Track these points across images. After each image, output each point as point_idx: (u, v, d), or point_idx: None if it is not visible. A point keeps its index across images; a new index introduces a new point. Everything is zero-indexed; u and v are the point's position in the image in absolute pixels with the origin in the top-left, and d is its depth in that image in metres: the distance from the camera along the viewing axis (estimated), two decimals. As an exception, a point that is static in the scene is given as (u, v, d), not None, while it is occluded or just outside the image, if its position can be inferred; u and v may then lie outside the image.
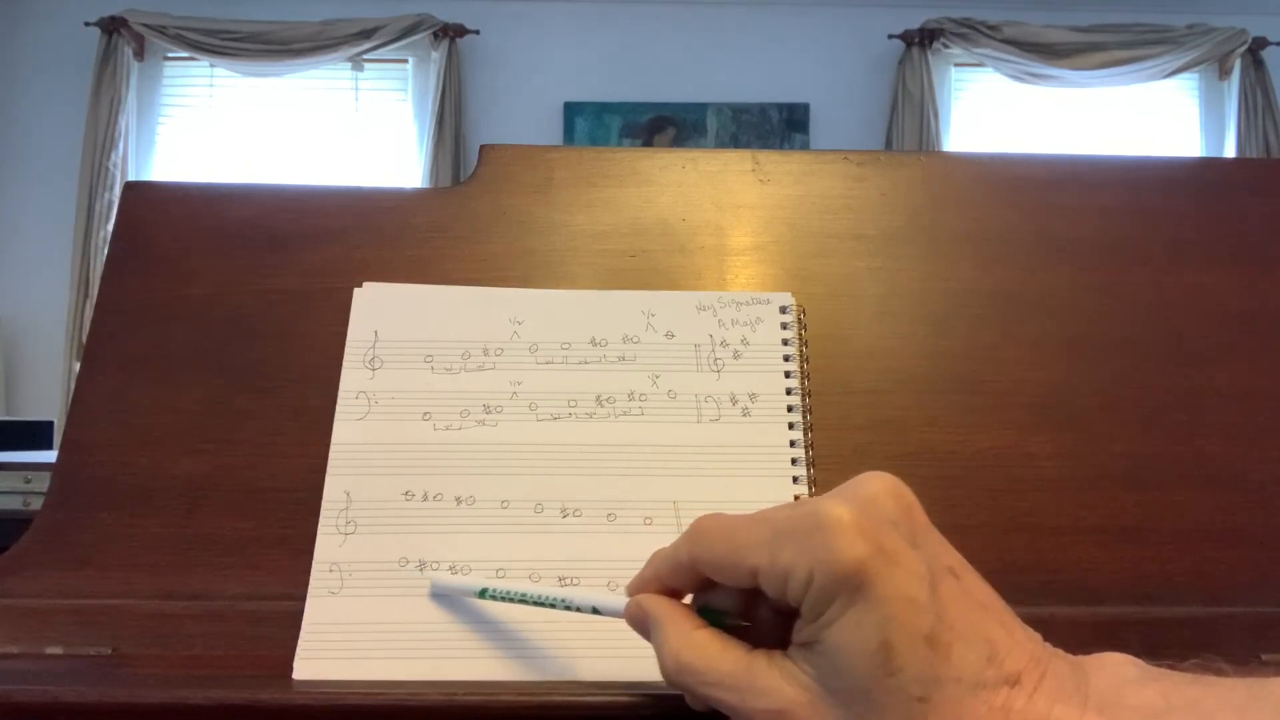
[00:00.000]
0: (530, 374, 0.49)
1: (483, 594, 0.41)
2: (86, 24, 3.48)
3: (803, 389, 0.50)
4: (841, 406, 0.50)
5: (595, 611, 0.38)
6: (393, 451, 0.47)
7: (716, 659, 0.31)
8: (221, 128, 3.58)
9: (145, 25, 3.47)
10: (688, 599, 0.35)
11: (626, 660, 0.41)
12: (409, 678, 0.40)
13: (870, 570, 0.28)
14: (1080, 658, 0.30)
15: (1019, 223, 0.56)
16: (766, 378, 0.50)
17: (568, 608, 0.38)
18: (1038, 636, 0.30)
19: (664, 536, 0.44)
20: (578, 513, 0.45)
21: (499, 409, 0.48)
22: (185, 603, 0.44)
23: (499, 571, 0.44)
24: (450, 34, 3.53)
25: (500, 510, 0.45)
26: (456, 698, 0.37)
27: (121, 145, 3.46)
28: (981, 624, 0.29)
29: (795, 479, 0.47)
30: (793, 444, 0.48)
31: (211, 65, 3.56)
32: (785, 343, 0.51)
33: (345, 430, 0.47)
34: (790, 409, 0.49)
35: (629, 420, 0.48)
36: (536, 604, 0.39)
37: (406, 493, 0.45)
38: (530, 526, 0.45)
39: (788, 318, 0.51)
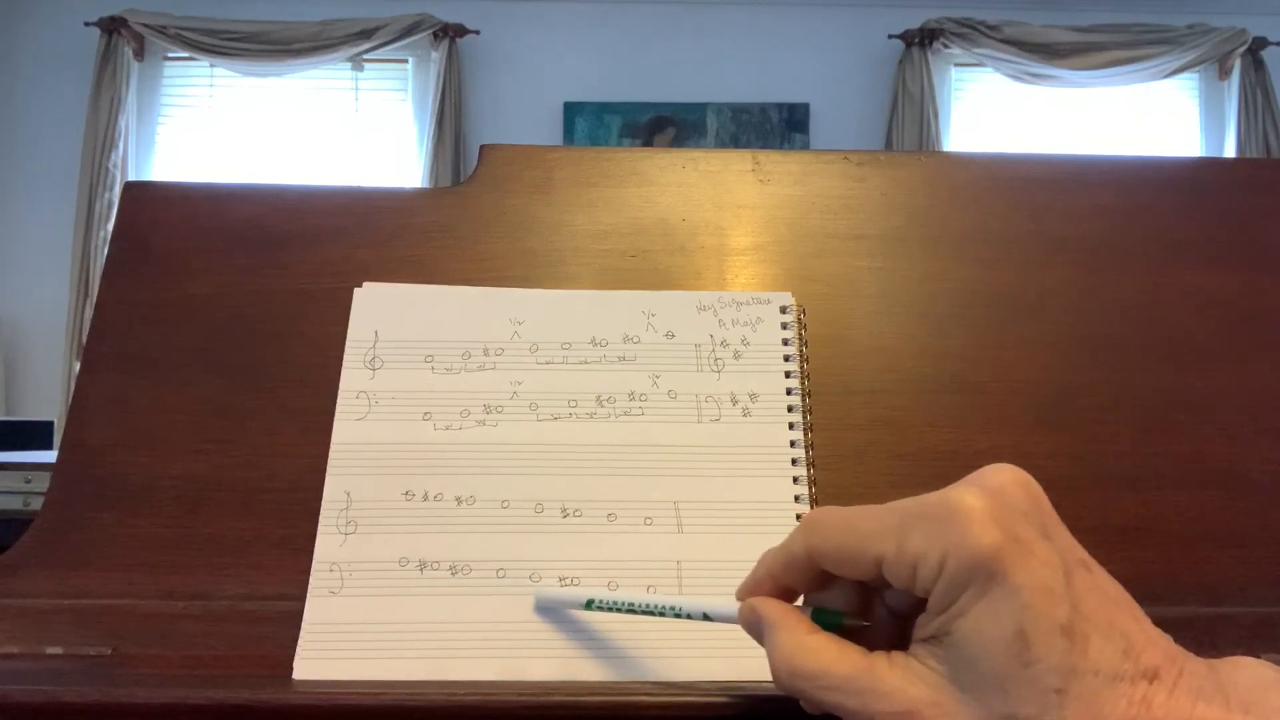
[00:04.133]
0: (530, 374, 0.49)
1: (589, 605, 0.41)
2: (86, 24, 3.48)
3: (803, 389, 0.50)
4: (841, 406, 0.50)
5: (706, 618, 0.37)
6: (393, 451, 0.47)
7: (833, 662, 0.30)
8: (221, 128, 3.58)
9: (145, 25, 3.47)
10: (798, 601, 0.34)
11: (626, 660, 0.41)
12: (409, 678, 0.40)
13: (1005, 558, 0.28)
14: (1214, 660, 0.29)
15: (1019, 223, 0.56)
16: (766, 378, 0.50)
17: (677, 615, 0.38)
18: (1169, 637, 0.29)
19: (664, 536, 0.45)
20: (578, 513, 0.45)
21: (499, 409, 0.48)
22: (185, 603, 0.44)
23: (499, 571, 0.44)
24: (450, 34, 3.53)
25: (500, 510, 0.45)
26: (456, 698, 0.37)
27: (121, 145, 3.46)
28: (1116, 617, 0.28)
29: (795, 479, 0.47)
30: (793, 444, 0.48)
31: (211, 65, 3.56)
32: (785, 343, 0.51)
33: (345, 430, 0.47)
34: (790, 409, 0.49)
35: (629, 420, 0.48)
36: (645, 613, 0.39)
37: (407, 493, 0.45)
38: (530, 526, 0.45)
39: (788, 318, 0.51)
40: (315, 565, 0.43)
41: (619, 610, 0.40)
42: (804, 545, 0.32)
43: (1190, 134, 3.70)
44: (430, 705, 0.37)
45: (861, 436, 0.50)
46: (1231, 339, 0.53)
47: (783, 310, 0.52)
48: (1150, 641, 0.28)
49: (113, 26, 3.47)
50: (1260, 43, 3.58)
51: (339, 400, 0.48)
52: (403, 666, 0.41)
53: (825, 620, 0.32)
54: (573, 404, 0.48)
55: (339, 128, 3.58)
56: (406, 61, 3.64)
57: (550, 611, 0.42)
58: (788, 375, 0.50)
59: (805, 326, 0.52)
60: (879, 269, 0.55)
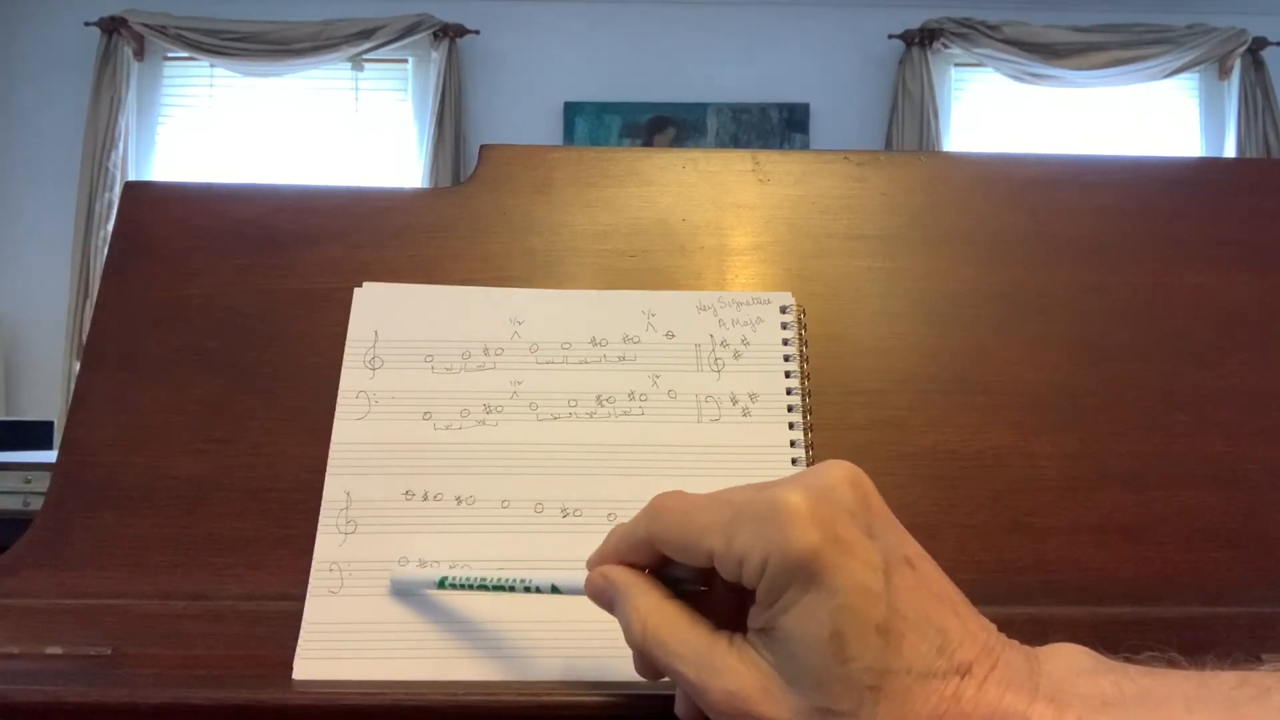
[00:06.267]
0: (530, 374, 0.49)
1: (442, 584, 0.41)
2: (86, 24, 3.48)
3: (803, 389, 0.50)
4: (841, 406, 0.50)
5: (555, 590, 0.38)
6: (393, 451, 0.47)
7: (684, 631, 0.32)
8: (221, 128, 3.58)
9: (145, 25, 3.47)
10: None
11: (626, 659, 0.41)
12: (409, 678, 0.40)
13: (824, 559, 0.28)
14: (1035, 648, 0.30)
15: (1019, 223, 0.56)
16: (766, 378, 0.50)
17: (527, 589, 0.38)
18: (992, 627, 0.30)
19: (664, 536, 0.45)
20: (578, 513, 0.45)
21: (499, 409, 0.48)
22: (185, 603, 0.44)
23: (499, 571, 0.44)
24: (450, 34, 3.53)
25: (500, 510, 0.45)
26: (456, 698, 0.37)
27: (121, 145, 3.46)
28: (935, 614, 0.29)
29: (795, 479, 0.47)
30: (793, 444, 0.48)
31: (211, 65, 3.56)
32: (785, 343, 0.51)
33: (345, 430, 0.47)
34: (790, 409, 0.49)
35: (629, 420, 0.48)
36: (497, 589, 0.39)
37: (406, 492, 0.45)
38: (530, 526, 0.45)
39: (788, 318, 0.51)
40: (315, 565, 0.43)
41: (471, 588, 0.40)
42: (646, 529, 0.33)
43: (1190, 134, 3.70)
44: (430, 705, 0.37)
45: (861, 436, 0.50)
46: (1231, 339, 0.53)
47: (783, 310, 0.52)
48: (969, 635, 0.29)
49: (113, 26, 3.47)
50: (1260, 43, 3.57)
51: (339, 400, 0.48)
52: (403, 666, 0.41)
53: (667, 584, 0.33)
54: (573, 404, 0.48)
55: (339, 128, 3.58)
56: (406, 61, 3.64)
57: (406, 593, 0.42)
58: (788, 375, 0.50)
59: (805, 326, 0.52)
60: (879, 269, 0.55)
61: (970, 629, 0.29)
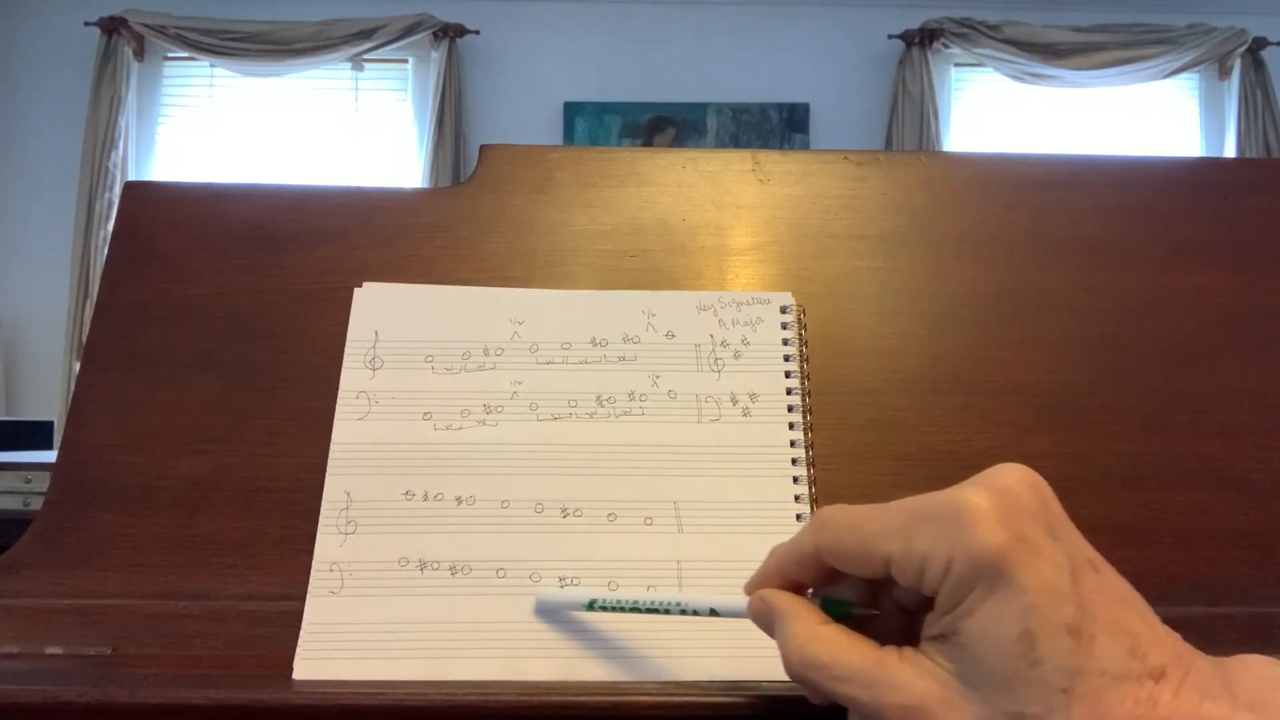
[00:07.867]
0: (530, 374, 0.49)
1: (591, 606, 0.40)
2: (86, 24, 3.48)
3: (803, 389, 0.50)
4: (841, 406, 0.50)
5: (714, 613, 0.37)
6: (393, 451, 0.47)
7: (845, 653, 0.31)
8: (221, 128, 3.58)
9: (145, 25, 3.48)
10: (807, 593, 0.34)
11: (626, 660, 0.41)
12: (409, 678, 0.40)
13: (1011, 558, 0.28)
14: (1222, 658, 0.30)
15: (1019, 223, 0.56)
16: (767, 378, 0.50)
17: (683, 612, 0.38)
18: (1178, 635, 0.30)
19: (664, 536, 0.45)
20: (578, 513, 0.45)
21: (499, 409, 0.48)
22: (185, 603, 0.44)
23: (499, 571, 0.44)
24: (450, 34, 3.53)
25: (500, 510, 0.45)
26: (456, 698, 0.37)
27: (121, 145, 3.46)
28: (1123, 617, 0.28)
29: (795, 479, 0.47)
30: (793, 444, 0.48)
31: (211, 65, 3.56)
32: (785, 342, 0.51)
33: (345, 430, 0.47)
34: (790, 409, 0.49)
35: (629, 420, 0.48)
36: (650, 611, 0.39)
37: (407, 492, 0.45)
38: (530, 526, 0.45)
39: (788, 317, 0.51)
40: (315, 565, 0.43)
41: (623, 610, 0.40)
42: (813, 543, 0.33)
43: (1190, 134, 3.70)
44: (430, 705, 0.37)
45: (861, 436, 0.50)
46: (1231, 339, 0.53)
47: (783, 310, 0.52)
48: (1158, 640, 0.28)
49: (113, 26, 3.47)
50: (1260, 43, 3.58)
51: (339, 400, 0.48)
52: (403, 666, 0.41)
53: (834, 610, 0.32)
54: (573, 404, 0.48)
55: (339, 128, 3.58)
56: (406, 61, 3.64)
57: (550, 613, 0.42)
58: (788, 375, 0.50)
59: (805, 326, 0.52)
60: (879, 269, 0.55)
61: (1158, 634, 0.29)
